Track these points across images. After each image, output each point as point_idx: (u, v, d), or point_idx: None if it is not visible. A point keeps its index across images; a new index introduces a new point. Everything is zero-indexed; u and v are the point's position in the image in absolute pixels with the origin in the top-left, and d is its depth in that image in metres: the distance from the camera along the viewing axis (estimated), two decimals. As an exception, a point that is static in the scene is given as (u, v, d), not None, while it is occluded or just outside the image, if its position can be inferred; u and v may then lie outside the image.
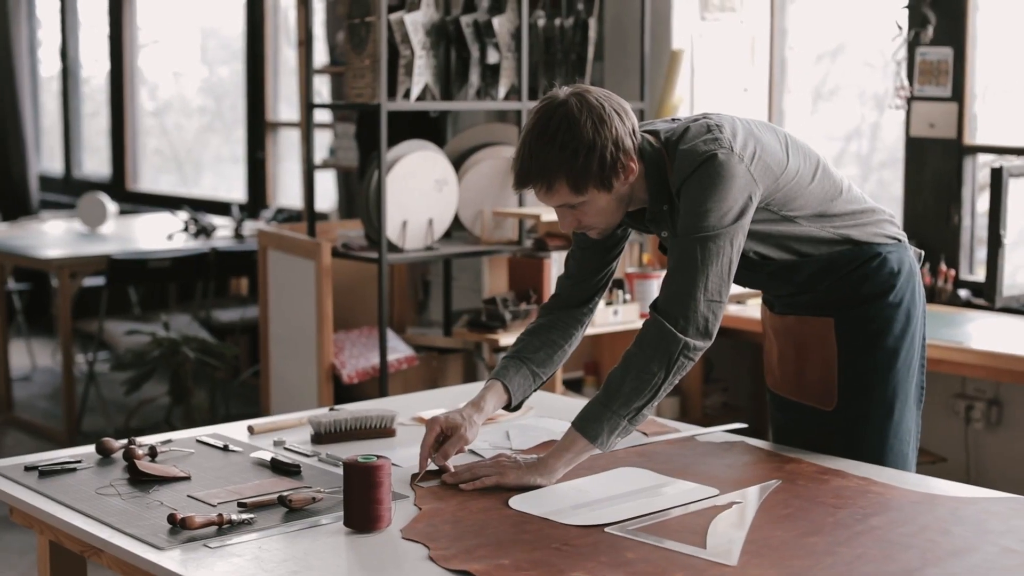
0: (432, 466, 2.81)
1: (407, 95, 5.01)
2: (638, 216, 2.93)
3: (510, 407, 3.00)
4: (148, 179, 10.18)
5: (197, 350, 6.06)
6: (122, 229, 7.84)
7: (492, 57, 5.18)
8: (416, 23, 4.99)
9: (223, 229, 7.64)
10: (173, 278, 7.23)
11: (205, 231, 7.45)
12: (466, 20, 5.14)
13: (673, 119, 2.95)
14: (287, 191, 8.78)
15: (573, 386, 5.54)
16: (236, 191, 9.20)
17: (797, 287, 3.01)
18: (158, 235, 7.53)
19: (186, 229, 7.49)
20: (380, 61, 4.81)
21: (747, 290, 5.62)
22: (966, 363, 4.72)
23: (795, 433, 3.09)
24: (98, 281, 7.20)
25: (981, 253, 5.52)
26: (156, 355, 6.04)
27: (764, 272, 3.00)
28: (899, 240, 3.06)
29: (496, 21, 5.16)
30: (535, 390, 3.05)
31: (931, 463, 4.86)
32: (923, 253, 3.17)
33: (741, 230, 2.78)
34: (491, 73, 5.24)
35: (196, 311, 7.21)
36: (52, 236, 7.62)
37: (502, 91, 5.25)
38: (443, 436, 2.85)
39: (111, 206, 7.73)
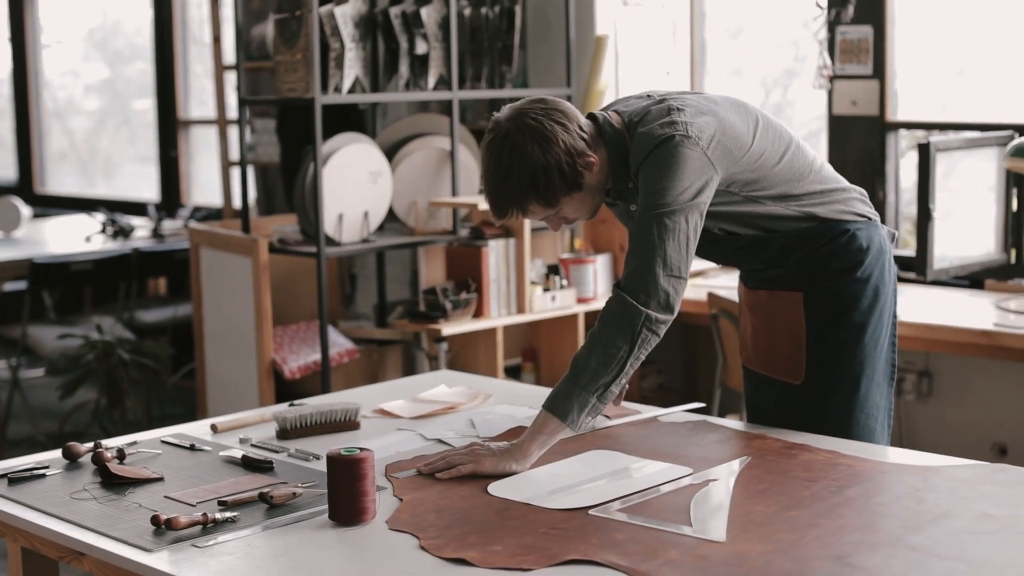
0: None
1: (338, 88, 5.00)
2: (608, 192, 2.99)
3: None
4: (54, 181, 10.03)
5: (131, 352, 6.00)
6: (36, 232, 7.72)
7: (421, 48, 5.17)
8: (346, 16, 4.98)
9: (141, 229, 7.56)
10: (95, 280, 7.14)
11: (124, 232, 7.36)
12: (394, 11, 5.13)
13: (648, 95, 3.00)
14: (202, 189, 8.70)
15: (511, 373, 5.55)
16: (148, 191, 9.10)
17: (767, 262, 3.05)
18: (74, 237, 7.42)
19: (104, 231, 7.40)
20: (313, 55, 4.79)
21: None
22: (899, 335, 4.78)
23: (767, 408, 3.13)
24: (19, 286, 7.09)
25: (905, 227, 5.62)
26: (90, 358, 5.97)
27: (733, 247, 3.05)
28: (869, 218, 3.10)
29: (424, 11, 5.15)
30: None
31: (870, 435, 4.93)
32: (896, 233, 3.22)
33: (697, 208, 2.81)
34: (420, 64, 5.24)
35: (119, 313, 7.13)
36: (-35, 242, 7.49)
37: (431, 81, 5.25)
38: None
39: (25, 209, 7.62)
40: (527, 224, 5.09)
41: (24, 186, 9.87)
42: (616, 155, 2.90)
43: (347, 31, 4.96)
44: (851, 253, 3.04)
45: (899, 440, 5.38)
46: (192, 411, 6.37)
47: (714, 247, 3.05)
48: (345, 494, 2.46)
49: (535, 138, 2.78)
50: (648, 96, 2.99)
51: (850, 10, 5.44)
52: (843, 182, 3.12)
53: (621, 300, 2.81)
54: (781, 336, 3.08)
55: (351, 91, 5.07)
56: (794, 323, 3.05)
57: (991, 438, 5.25)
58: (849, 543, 2.30)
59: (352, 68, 5.01)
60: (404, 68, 5.18)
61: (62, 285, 7.36)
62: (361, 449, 2.50)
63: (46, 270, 6.59)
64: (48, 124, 10.04)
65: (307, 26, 4.77)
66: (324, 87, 4.96)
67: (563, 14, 5.75)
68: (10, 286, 7.20)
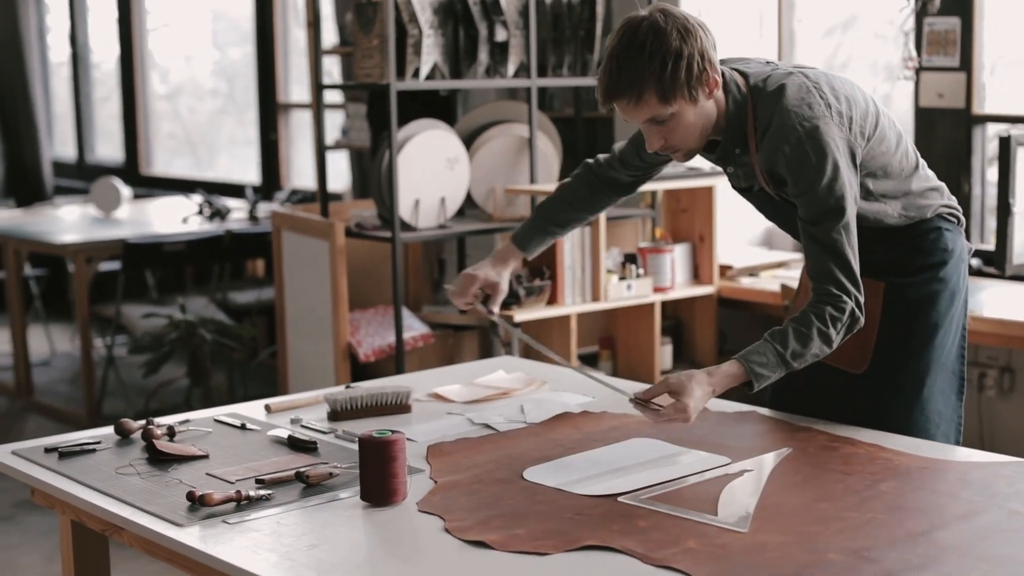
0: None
1: (416, 74, 5.04)
2: (709, 147, 2.97)
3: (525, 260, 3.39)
4: (161, 163, 10.21)
5: (214, 332, 6.10)
6: (136, 213, 7.89)
7: (500, 35, 5.20)
8: (423, 2, 5.01)
9: (237, 211, 7.68)
10: (188, 261, 7.27)
11: (219, 214, 7.48)
12: (473, -2, 5.16)
13: (768, 62, 2.99)
14: (300, 172, 8.81)
15: (588, 361, 5.56)
16: (250, 173, 9.24)
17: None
18: (172, 218, 7.57)
19: (200, 212, 7.53)
20: (388, 41, 4.83)
21: (760, 262, 5.65)
22: (978, 331, 4.73)
23: (814, 394, 3.09)
24: (114, 265, 7.24)
25: (992, 222, 5.54)
26: (173, 338, 6.08)
27: None
28: (958, 220, 3.09)
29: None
30: (547, 245, 3.35)
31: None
32: (973, 248, 3.20)
33: (853, 191, 2.84)
34: (500, 51, 5.26)
35: (212, 293, 7.26)
36: (67, 222, 7.66)
37: (511, 68, 5.27)
38: (482, 290, 3.26)
39: (125, 190, 7.77)
40: (603, 213, 5.08)
41: (130, 167, 10.06)
42: (735, 115, 2.87)
43: (425, 17, 5.00)
44: (937, 252, 3.03)
45: (980, 438, 5.32)
46: (275, 391, 6.46)
47: (772, 209, 3.04)
48: (376, 475, 2.50)
49: (677, 25, 2.73)
50: (768, 63, 2.97)
51: (937, 1, 5.37)
52: (938, 180, 3.10)
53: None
54: None
55: (430, 77, 5.10)
56: (867, 312, 2.98)
57: (1073, 437, 5.18)
58: (871, 537, 2.29)
59: (431, 54, 5.05)
60: (483, 55, 5.21)
61: (155, 265, 7.50)
62: (393, 432, 2.53)
63: (139, 250, 6.72)
64: (158, 106, 10.22)
65: (383, 12, 4.81)
66: (401, 73, 5.00)
67: (646, 1, 5.74)
68: (106, 265, 7.36)
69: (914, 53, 5.47)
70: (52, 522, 5.38)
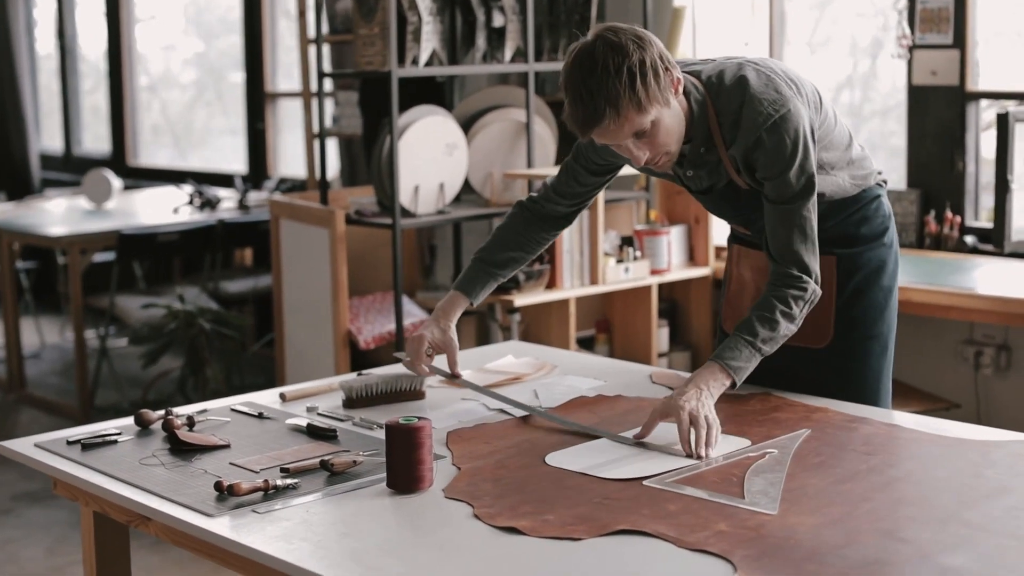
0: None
1: (415, 61, 5.04)
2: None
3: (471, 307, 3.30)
4: (147, 154, 10.18)
5: (212, 321, 6.09)
6: (126, 204, 7.86)
7: (497, 20, 5.20)
8: (422, -11, 5.01)
9: (227, 201, 7.67)
10: (182, 251, 7.25)
11: (210, 203, 7.47)
12: (471, -15, 5.16)
13: (705, 59, 3.02)
14: (288, 161, 8.79)
15: (584, 344, 5.58)
16: (237, 163, 9.21)
17: None
18: (163, 209, 7.55)
19: (191, 202, 7.52)
20: (390, 28, 4.83)
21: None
22: (975, 308, 4.76)
23: (782, 377, 3.13)
24: (107, 257, 7.22)
25: (985, 199, 5.56)
26: (173, 327, 6.07)
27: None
28: (884, 182, 3.19)
29: (500, -15, 5.18)
30: (492, 288, 3.30)
31: (945, 409, 4.91)
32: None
33: (814, 171, 2.90)
34: (497, 36, 5.26)
35: (204, 283, 7.24)
36: (57, 214, 7.63)
37: (508, 54, 5.27)
38: (431, 350, 3.18)
39: (116, 182, 7.75)
40: (601, 196, 5.10)
41: (117, 159, 10.02)
42: (700, 115, 2.90)
43: (424, 4, 5.00)
44: (879, 218, 3.13)
45: (976, 414, 5.35)
46: (272, 380, 6.47)
47: (757, 212, 3.06)
48: (402, 462, 2.50)
49: (630, 38, 2.74)
50: (704, 61, 3.01)
51: (930, -20, 5.38)
52: (864, 148, 3.18)
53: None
54: None
55: (428, 64, 5.10)
56: (822, 287, 3.05)
57: (1071, 413, 5.21)
58: (901, 517, 2.30)
59: (429, 41, 5.05)
60: (481, 41, 5.21)
61: (149, 256, 7.48)
62: (419, 418, 2.54)
63: (133, 241, 6.71)
64: (144, 98, 10.18)
65: (384, 0, 4.81)
66: (401, 60, 5.00)
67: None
68: (99, 257, 7.34)
69: (907, 31, 5.48)
70: (52, 515, 5.38)
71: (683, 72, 2.92)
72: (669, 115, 2.81)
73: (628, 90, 2.72)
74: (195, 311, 6.09)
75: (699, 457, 2.67)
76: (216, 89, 9.82)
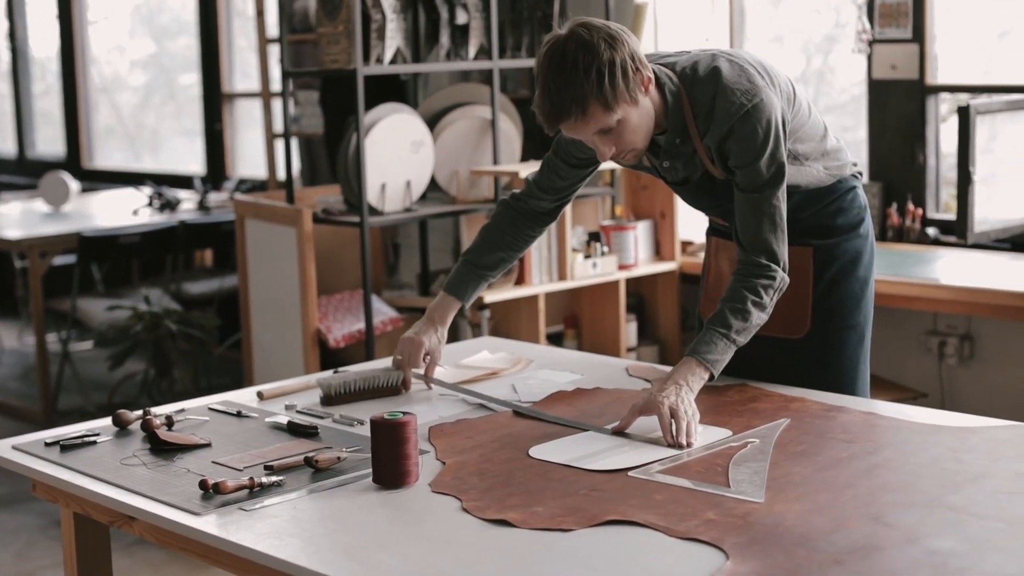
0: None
1: (380, 59, 5.04)
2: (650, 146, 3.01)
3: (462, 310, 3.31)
4: (102, 156, 10.12)
5: (178, 323, 6.07)
6: (84, 207, 7.81)
7: (461, 18, 5.20)
8: (385, -13, 5.01)
9: (187, 202, 7.63)
10: (143, 253, 7.22)
11: (170, 205, 7.44)
12: (434, -18, 5.16)
13: (679, 52, 3.04)
14: (247, 162, 8.76)
15: (553, 339, 5.59)
16: (194, 164, 9.18)
17: None
18: (121, 211, 7.51)
19: (151, 204, 7.48)
20: (354, 26, 4.82)
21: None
22: (939, 299, 4.81)
23: (760, 367, 3.16)
24: (68, 260, 7.18)
25: (946, 192, 5.61)
26: (138, 329, 6.04)
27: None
28: (860, 174, 3.23)
29: (463, -18, 5.18)
30: (483, 290, 3.32)
31: (913, 399, 4.95)
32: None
33: (785, 161, 2.93)
34: (460, 34, 5.27)
35: (166, 285, 7.21)
36: (13, 217, 7.57)
37: (472, 51, 5.28)
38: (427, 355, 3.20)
39: (74, 185, 7.70)
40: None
41: (72, 161, 9.97)
42: (675, 106, 2.91)
43: (388, 2, 4.99)
44: (855, 209, 3.17)
45: (941, 404, 5.39)
46: (239, 381, 6.44)
47: (711, 196, 3.09)
48: (388, 457, 2.50)
49: (603, 37, 2.76)
50: (679, 53, 3.03)
51: (890, -26, 5.42)
52: (840, 140, 3.20)
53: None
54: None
55: (392, 62, 5.10)
56: (799, 277, 3.09)
57: (1034, 401, 5.26)
58: (885, 503, 2.33)
59: (393, 39, 5.05)
60: (445, 38, 5.21)
61: (110, 258, 7.44)
62: (404, 413, 2.54)
63: (95, 243, 6.67)
64: (96, 100, 10.12)
65: (348, -2, 4.81)
66: (366, 58, 5.00)
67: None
68: (60, 260, 7.29)
69: (867, 26, 5.52)
70: (21, 520, 5.35)
71: (658, 64, 2.95)
72: (637, 113, 2.84)
73: (595, 90, 2.74)
74: (161, 312, 6.07)
75: (680, 447, 2.68)
76: (168, 90, 9.77)
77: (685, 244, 5.71)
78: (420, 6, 5.20)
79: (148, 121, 10.03)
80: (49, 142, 10.57)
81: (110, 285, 8.30)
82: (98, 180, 9.58)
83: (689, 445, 2.69)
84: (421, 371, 3.21)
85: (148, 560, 4.85)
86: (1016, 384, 5.30)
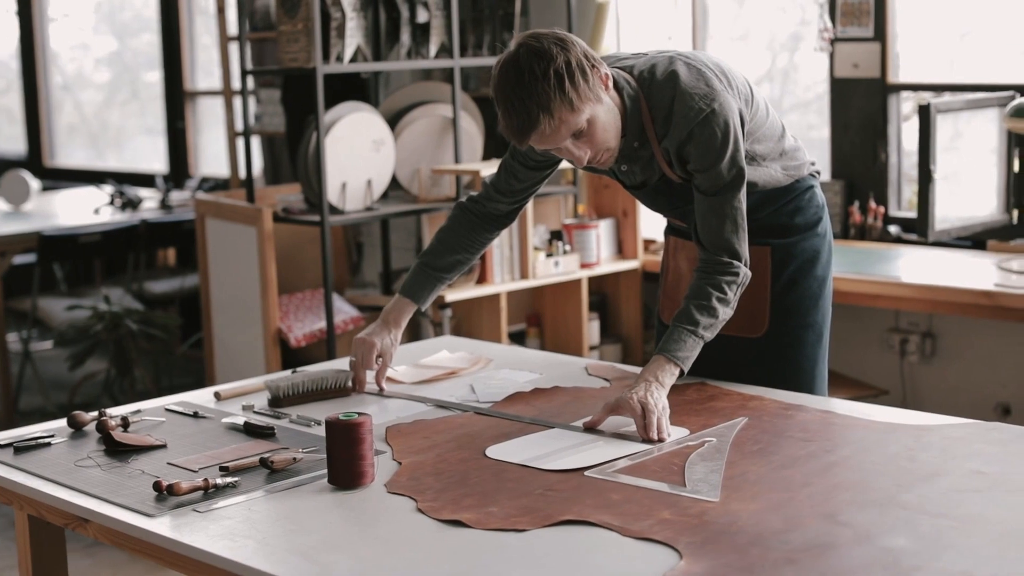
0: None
1: (340, 58, 5.02)
2: None
3: (419, 311, 3.29)
4: (64, 154, 10.06)
5: (139, 322, 6.04)
6: (45, 206, 7.76)
7: (422, 16, 5.19)
8: (345, -15, 4.99)
9: (149, 201, 7.60)
10: (104, 252, 7.17)
11: (132, 204, 7.40)
12: (394, -20, 5.15)
13: (635, 53, 3.04)
14: (209, 160, 8.73)
15: (516, 338, 5.58)
16: (156, 162, 9.14)
17: None
18: (83, 210, 7.46)
19: (112, 202, 7.44)
20: (314, 24, 4.81)
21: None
22: (900, 296, 4.82)
23: (720, 366, 3.16)
24: (28, 259, 7.13)
25: (908, 189, 5.63)
26: (99, 329, 6.01)
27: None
28: (818, 173, 3.24)
29: (424, -20, 5.17)
30: (439, 292, 3.31)
31: (874, 396, 4.97)
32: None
33: (744, 163, 2.94)
34: (421, 32, 5.25)
35: (128, 284, 7.17)
36: (-29, 216, 7.52)
37: (433, 49, 5.26)
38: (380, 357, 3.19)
39: (34, 183, 7.65)
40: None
41: (33, 159, 9.91)
42: (633, 109, 2.91)
43: (348, 1, 4.98)
44: (813, 208, 3.17)
45: (903, 401, 5.41)
46: (201, 380, 6.41)
47: (668, 199, 3.09)
48: (344, 458, 2.49)
49: (552, 42, 2.75)
50: (636, 55, 3.03)
51: (851, -27, 5.44)
52: (798, 139, 3.21)
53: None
54: None
55: (353, 60, 5.09)
56: (757, 276, 3.10)
57: (995, 398, 5.28)
58: (840, 501, 2.33)
59: (353, 37, 5.03)
60: (406, 37, 5.20)
61: (71, 257, 7.39)
62: (360, 414, 2.53)
63: (55, 243, 6.63)
64: (57, 98, 10.06)
65: (307, -4, 4.79)
66: (326, 57, 4.98)
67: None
68: (20, 259, 7.24)
69: (829, 24, 5.53)
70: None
71: (615, 68, 2.94)
72: (603, 111, 2.83)
73: (558, 92, 2.72)
74: (121, 312, 6.03)
75: (652, 441, 2.69)
76: (131, 88, 9.73)
77: (647, 242, 5.71)
78: (381, 4, 5.18)
79: (111, 119, 9.99)
80: (11, 140, 10.50)
81: (73, 284, 8.25)
82: (60, 179, 9.52)
83: (661, 440, 2.69)
84: (373, 372, 3.20)
85: (109, 560, 4.83)
86: (976, 381, 5.32)
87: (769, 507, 2.31)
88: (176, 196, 7.55)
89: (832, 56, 5.64)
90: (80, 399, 6.73)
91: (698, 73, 2.90)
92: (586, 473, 2.53)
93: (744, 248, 2.95)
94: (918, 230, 4.93)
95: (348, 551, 2.19)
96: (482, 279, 5.11)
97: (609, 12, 5.89)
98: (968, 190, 5.08)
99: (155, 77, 9.12)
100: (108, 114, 9.99)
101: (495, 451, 2.69)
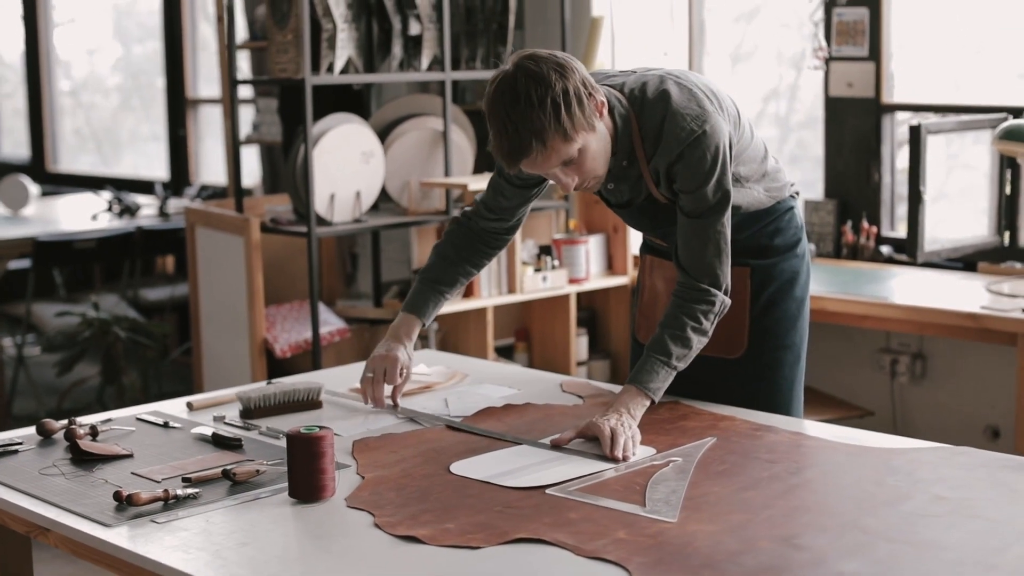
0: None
1: (330, 69, 5.02)
2: None
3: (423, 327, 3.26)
4: (68, 160, 10.08)
5: (128, 330, 6.04)
6: (45, 211, 7.77)
7: (414, 28, 5.19)
8: (337, -4, 5.00)
9: (147, 208, 7.60)
10: (99, 259, 7.18)
11: (129, 210, 7.40)
12: (387, -8, 5.15)
13: (625, 70, 3.03)
14: (210, 168, 8.74)
15: (503, 352, 5.58)
16: (158, 169, 9.15)
17: None
18: (82, 216, 7.47)
19: (110, 209, 7.45)
20: (303, 36, 4.81)
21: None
22: (890, 318, 4.81)
23: (696, 386, 3.14)
24: (24, 264, 7.14)
25: (901, 209, 5.62)
26: (87, 336, 6.01)
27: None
28: (796, 194, 3.22)
29: (417, -8, 5.17)
30: (441, 308, 3.29)
31: (859, 417, 4.96)
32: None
33: (730, 186, 2.92)
34: (413, 44, 5.25)
35: (123, 291, 7.18)
36: (-30, 220, 7.53)
37: (425, 62, 5.26)
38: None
39: (33, 188, 7.66)
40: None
41: (36, 164, 9.92)
42: (624, 128, 2.89)
43: (339, 12, 4.98)
44: (792, 229, 3.17)
45: (893, 423, 5.40)
46: (190, 389, 6.41)
47: (653, 219, 3.08)
48: (304, 471, 2.49)
49: (551, 67, 2.72)
50: (623, 72, 3.02)
51: (846, -8, 5.44)
52: (779, 160, 3.21)
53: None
54: None
55: (344, 72, 5.09)
56: (736, 298, 3.09)
57: (984, 420, 5.26)
58: (799, 524, 2.32)
59: (345, 49, 5.03)
60: (397, 49, 5.20)
61: (65, 263, 7.40)
62: (321, 427, 2.52)
63: (50, 248, 6.63)
64: (63, 103, 10.08)
65: (298, 7, 4.79)
66: (316, 68, 4.98)
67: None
68: (15, 264, 7.25)
69: (824, 43, 5.53)
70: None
71: (606, 85, 2.92)
72: (595, 140, 2.81)
73: (553, 121, 2.70)
74: (110, 319, 6.04)
75: (617, 460, 2.68)
76: (136, 95, 9.75)
77: (637, 259, 5.70)
78: (373, 16, 5.18)
79: (115, 125, 10.00)
80: (17, 145, 10.52)
81: (72, 290, 8.26)
82: (63, 184, 9.53)
83: (626, 459, 2.69)
84: (390, 389, 3.16)
85: (85, 569, 4.81)
86: (967, 402, 5.31)
87: (727, 529, 2.30)
88: (174, 204, 7.55)
89: (827, 75, 5.63)
90: (72, 405, 6.73)
91: (689, 94, 2.89)
92: (547, 491, 2.52)
93: (725, 273, 2.93)
94: (908, 251, 4.92)
95: (300, 565, 2.19)
96: (469, 293, 5.11)
97: (604, 27, 5.88)
98: (960, 212, 5.07)
99: (159, 84, 9.13)
100: (113, 120, 10.00)
101: (459, 467, 2.68)
